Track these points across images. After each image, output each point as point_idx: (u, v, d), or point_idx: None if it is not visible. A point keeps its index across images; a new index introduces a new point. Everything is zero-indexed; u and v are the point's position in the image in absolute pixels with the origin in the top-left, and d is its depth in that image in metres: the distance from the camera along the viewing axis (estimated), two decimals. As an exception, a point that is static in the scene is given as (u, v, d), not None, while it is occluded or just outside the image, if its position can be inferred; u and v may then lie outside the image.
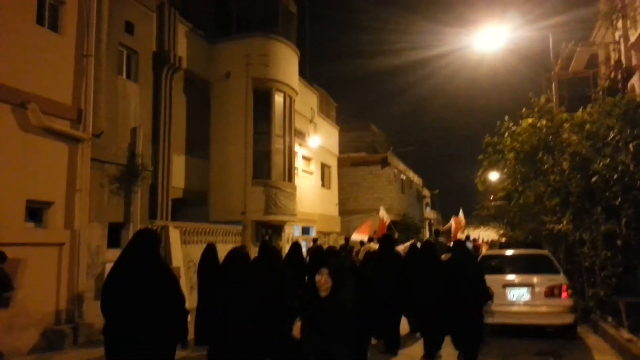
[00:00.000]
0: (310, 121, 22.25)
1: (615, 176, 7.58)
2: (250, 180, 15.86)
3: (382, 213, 19.82)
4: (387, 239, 8.95)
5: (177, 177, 14.40)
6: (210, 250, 8.75)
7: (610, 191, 7.76)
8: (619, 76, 12.71)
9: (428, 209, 47.56)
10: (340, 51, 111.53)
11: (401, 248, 13.93)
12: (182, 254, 11.69)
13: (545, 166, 10.10)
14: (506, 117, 11.67)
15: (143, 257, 4.25)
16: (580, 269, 11.15)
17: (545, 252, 10.95)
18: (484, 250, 17.46)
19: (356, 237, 17.74)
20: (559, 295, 8.74)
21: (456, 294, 7.04)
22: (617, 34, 13.60)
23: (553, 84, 15.49)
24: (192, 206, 15.47)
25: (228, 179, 15.90)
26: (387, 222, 19.55)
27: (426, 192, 48.23)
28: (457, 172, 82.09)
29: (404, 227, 29.96)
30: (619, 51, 13.27)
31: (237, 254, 5.78)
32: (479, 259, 10.49)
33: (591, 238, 9.75)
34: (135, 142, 11.04)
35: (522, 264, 9.97)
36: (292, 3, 18.85)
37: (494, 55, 16.74)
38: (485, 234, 29.59)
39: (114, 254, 10.63)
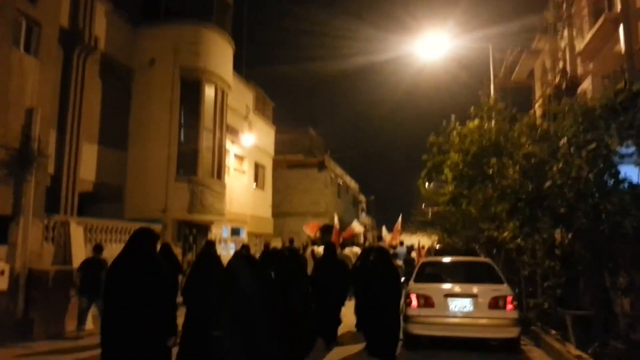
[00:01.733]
0: (245, 118, 21.02)
1: (570, 182, 7.00)
2: (173, 176, 14.44)
3: (336, 221, 19.86)
4: (329, 247, 9.20)
5: (88, 168, 12.82)
6: (210, 247, 7.43)
7: (563, 199, 7.17)
8: (564, 84, 12.50)
9: (363, 214, 47.38)
10: (281, 53, 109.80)
11: (351, 251, 13.76)
12: (86, 254, 10.12)
13: (491, 171, 9.52)
14: (452, 116, 11.03)
15: (138, 256, 4.43)
16: (518, 278, 10.66)
17: (487, 260, 10.38)
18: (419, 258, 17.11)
19: (306, 230, 20.57)
20: (504, 307, 8.13)
21: (375, 296, 7.55)
22: (563, 43, 13.49)
23: (492, 92, 15.21)
24: (105, 202, 13.85)
25: (148, 174, 14.39)
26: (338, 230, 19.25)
27: (362, 198, 48.08)
28: (396, 179, 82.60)
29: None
30: (565, 60, 13.10)
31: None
32: (417, 266, 9.94)
33: (531, 246, 9.20)
34: (31, 125, 9.41)
35: (464, 272, 9.38)
36: (228, -9, 17.51)
37: (436, 62, 16.64)
38: (418, 240, 29.49)
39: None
